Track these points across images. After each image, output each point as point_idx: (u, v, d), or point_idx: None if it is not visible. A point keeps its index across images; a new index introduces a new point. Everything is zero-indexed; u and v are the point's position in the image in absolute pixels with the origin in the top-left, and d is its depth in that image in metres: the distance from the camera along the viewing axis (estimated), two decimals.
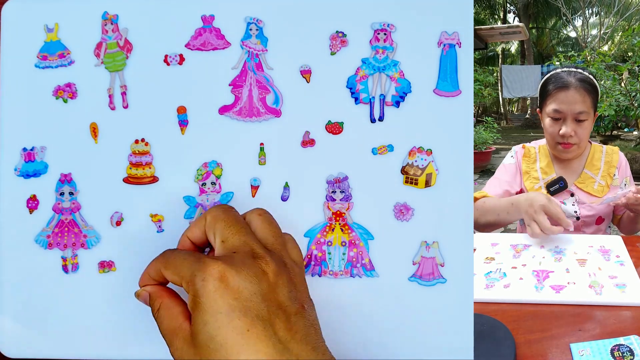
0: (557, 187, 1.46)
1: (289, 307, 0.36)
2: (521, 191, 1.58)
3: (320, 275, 0.47)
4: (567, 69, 1.51)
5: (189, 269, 0.36)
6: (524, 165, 1.59)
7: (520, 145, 1.64)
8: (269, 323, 0.34)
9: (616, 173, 1.54)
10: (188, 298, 0.36)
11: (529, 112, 15.72)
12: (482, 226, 1.45)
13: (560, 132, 1.45)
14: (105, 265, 0.47)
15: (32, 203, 0.47)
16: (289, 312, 0.35)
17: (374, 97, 0.47)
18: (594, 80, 1.50)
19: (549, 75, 1.55)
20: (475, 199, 1.50)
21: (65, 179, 0.47)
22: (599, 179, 1.52)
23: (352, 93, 0.47)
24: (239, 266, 0.35)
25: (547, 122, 1.50)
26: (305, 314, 0.37)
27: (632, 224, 1.52)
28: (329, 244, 0.47)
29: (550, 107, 1.47)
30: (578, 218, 1.48)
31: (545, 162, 1.57)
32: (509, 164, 1.61)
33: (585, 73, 1.49)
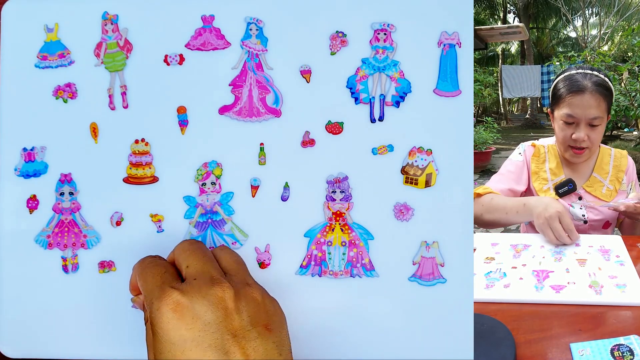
0: (565, 189, 1.43)
1: (249, 332, 0.36)
2: (527, 190, 1.55)
3: (320, 276, 0.47)
4: (583, 70, 1.45)
5: (150, 294, 0.37)
6: (533, 165, 1.54)
7: (530, 142, 1.58)
8: (223, 351, 0.34)
9: (624, 178, 1.52)
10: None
11: (529, 112, 15.70)
12: (485, 223, 1.40)
13: (573, 136, 1.41)
14: (105, 265, 0.47)
15: (32, 203, 0.47)
16: (248, 337, 0.35)
17: (374, 97, 0.47)
18: (609, 82, 1.44)
19: (563, 75, 1.48)
20: (480, 195, 1.44)
21: (65, 179, 0.47)
22: (607, 183, 1.50)
23: (352, 93, 0.47)
24: (195, 295, 0.36)
25: (559, 125, 1.46)
26: (270, 335, 0.36)
27: (630, 229, 1.51)
28: (329, 244, 0.47)
29: (563, 110, 1.42)
30: (585, 222, 1.44)
31: (555, 163, 1.53)
32: (516, 160, 1.55)
33: (600, 76, 1.43)
